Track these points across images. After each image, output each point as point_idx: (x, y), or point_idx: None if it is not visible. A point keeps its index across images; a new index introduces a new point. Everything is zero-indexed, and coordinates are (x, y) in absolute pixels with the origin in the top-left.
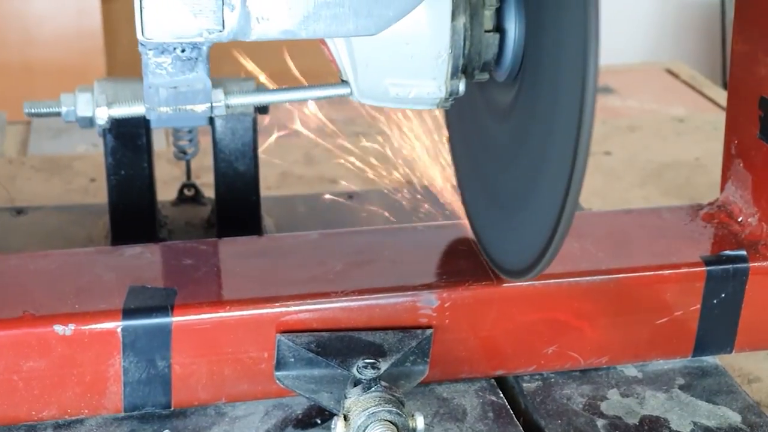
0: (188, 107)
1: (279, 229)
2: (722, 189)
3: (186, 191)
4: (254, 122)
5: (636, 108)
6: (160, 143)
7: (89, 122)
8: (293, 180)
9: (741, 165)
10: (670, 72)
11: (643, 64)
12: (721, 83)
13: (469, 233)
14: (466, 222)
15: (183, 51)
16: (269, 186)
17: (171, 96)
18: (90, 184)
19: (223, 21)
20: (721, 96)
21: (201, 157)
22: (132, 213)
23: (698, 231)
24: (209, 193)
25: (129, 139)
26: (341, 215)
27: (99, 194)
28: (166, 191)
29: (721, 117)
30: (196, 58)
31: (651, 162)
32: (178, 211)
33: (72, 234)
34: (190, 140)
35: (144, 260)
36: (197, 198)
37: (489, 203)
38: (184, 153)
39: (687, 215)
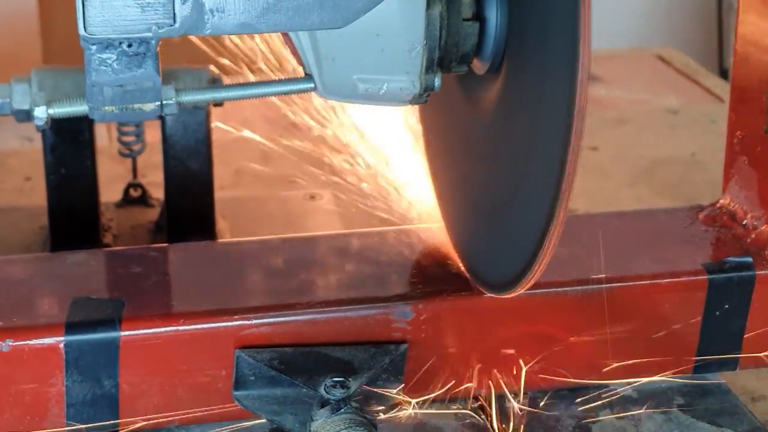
0: (136, 106)
1: (234, 234)
2: (724, 189)
3: (132, 191)
4: (208, 116)
5: (623, 98)
6: (102, 138)
7: (26, 116)
8: (249, 179)
9: (746, 162)
10: (662, 59)
11: (631, 50)
12: (718, 71)
13: (447, 238)
14: (443, 226)
15: (130, 46)
16: (222, 185)
17: (117, 95)
18: (25, 184)
19: (174, 14)
20: (718, 85)
21: (147, 153)
22: (74, 216)
23: (698, 235)
24: (157, 193)
25: (70, 135)
26: (304, 218)
27: (35, 194)
28: (108, 191)
29: (719, 108)
30: (144, 54)
31: (642, 158)
32: (124, 214)
33: (6, 239)
34: (137, 136)
35: (88, 268)
36: (144, 199)
37: (468, 208)
38: (130, 150)
39: (686, 218)
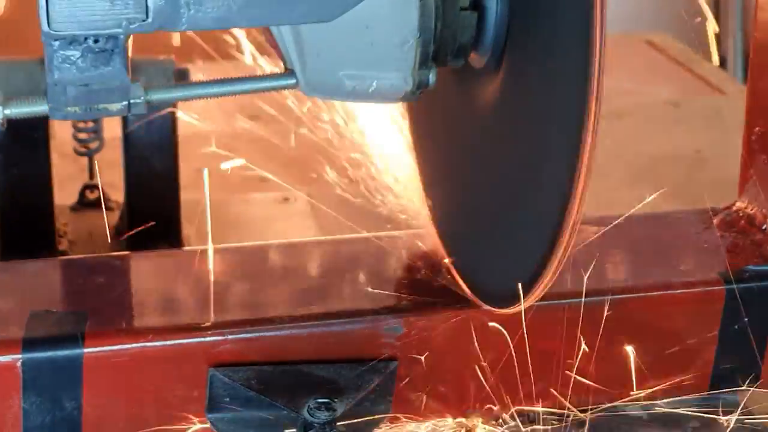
0: (101, 106)
1: (201, 240)
2: (741, 191)
3: (88, 193)
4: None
5: (612, 89)
6: None
7: None
8: (213, 178)
9: (765, 162)
10: (653, 45)
11: (619, 35)
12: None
13: (441, 246)
14: (436, 231)
15: (96, 42)
16: (183, 185)
17: (81, 94)
18: None
19: (147, 8)
20: (714, 74)
21: (103, 150)
22: (27, 220)
23: (714, 242)
24: (115, 195)
25: (24, 132)
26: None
27: None
28: (61, 193)
29: (724, 100)
30: (112, 50)
31: (642, 155)
32: (80, 218)
33: None
34: (95, 132)
35: (46, 278)
36: (102, 201)
37: (464, 213)
38: (87, 147)
39: (699, 222)
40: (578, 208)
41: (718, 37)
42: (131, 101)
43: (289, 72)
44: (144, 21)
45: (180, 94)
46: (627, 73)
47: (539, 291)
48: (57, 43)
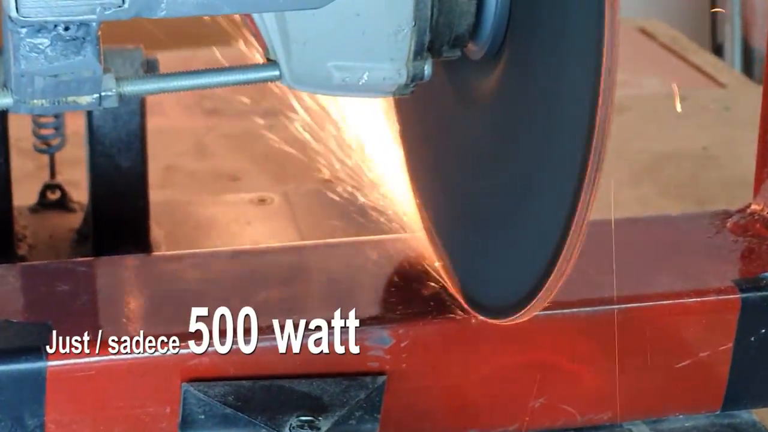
0: (70, 99)
1: (171, 244)
2: (756, 191)
3: (49, 194)
4: (142, 105)
5: None
6: None
7: None
8: (181, 177)
9: None
10: (645, 32)
11: None
12: (710, 47)
13: (432, 251)
14: (427, 236)
15: (66, 29)
16: (151, 184)
17: (49, 86)
18: None
19: None
20: (711, 64)
21: (65, 146)
22: None
23: (727, 247)
24: (77, 195)
25: None
26: (252, 225)
27: None
28: (19, 193)
29: (727, 93)
30: (84, 38)
31: (645, 152)
32: (40, 220)
33: None
34: (56, 128)
35: (6, 286)
36: (64, 202)
37: (458, 217)
38: (48, 144)
39: (711, 226)
40: (586, 210)
41: (713, 22)
42: (102, 94)
43: (271, 63)
44: (120, 7)
45: (155, 86)
46: (622, 64)
47: (540, 302)
48: (24, 30)
